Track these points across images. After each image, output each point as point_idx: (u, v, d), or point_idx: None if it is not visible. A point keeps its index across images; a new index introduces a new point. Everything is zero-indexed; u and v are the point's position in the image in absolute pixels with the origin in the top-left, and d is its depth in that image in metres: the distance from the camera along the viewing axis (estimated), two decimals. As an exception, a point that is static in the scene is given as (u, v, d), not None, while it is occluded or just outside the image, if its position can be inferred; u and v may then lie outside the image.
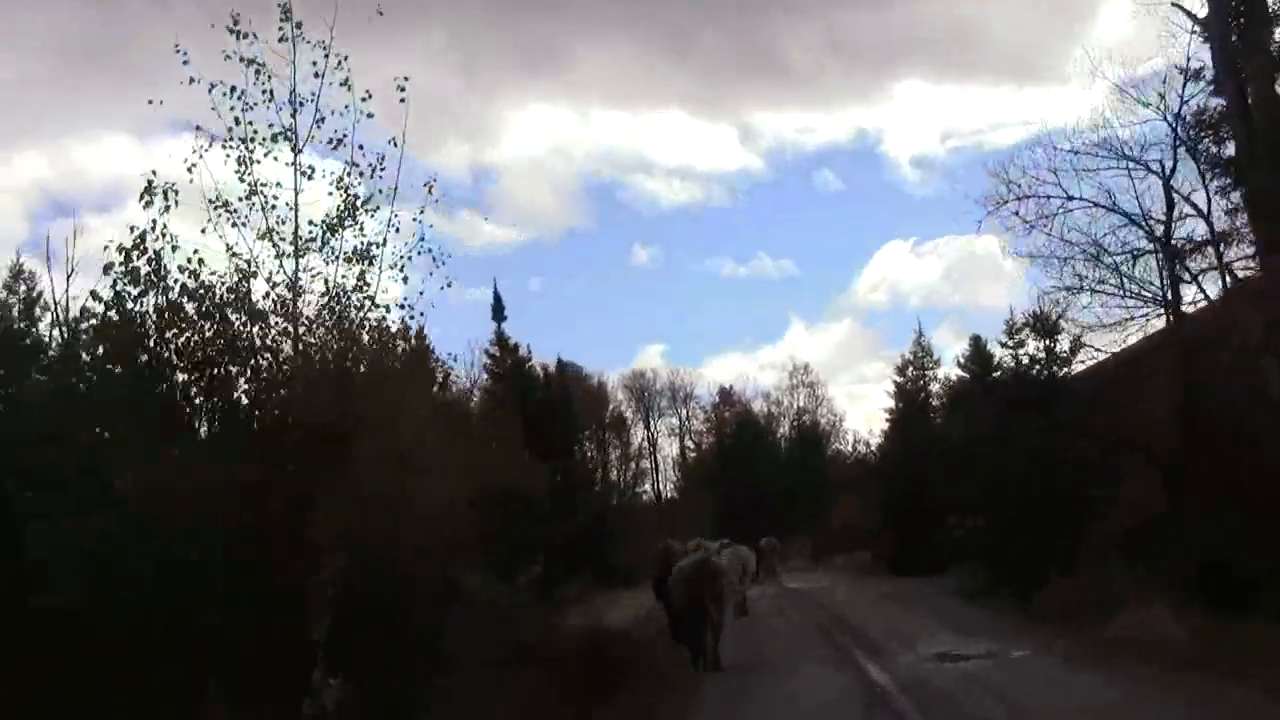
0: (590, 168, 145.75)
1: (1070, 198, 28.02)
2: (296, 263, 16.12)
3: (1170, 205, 27.04)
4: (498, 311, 65.83)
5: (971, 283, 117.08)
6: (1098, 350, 29.69)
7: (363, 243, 16.46)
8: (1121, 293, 27.81)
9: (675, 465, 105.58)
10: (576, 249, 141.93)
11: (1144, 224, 27.29)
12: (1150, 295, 27.60)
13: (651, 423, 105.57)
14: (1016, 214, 28.62)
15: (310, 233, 16.32)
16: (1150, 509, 25.75)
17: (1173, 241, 27.02)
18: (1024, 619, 24.24)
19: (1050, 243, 28.43)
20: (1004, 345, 30.60)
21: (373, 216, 16.69)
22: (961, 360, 50.72)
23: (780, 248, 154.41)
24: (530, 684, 16.38)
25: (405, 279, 17.12)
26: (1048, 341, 29.46)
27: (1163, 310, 27.56)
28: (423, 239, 16.84)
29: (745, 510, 75.95)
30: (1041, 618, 23.67)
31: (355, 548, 14.04)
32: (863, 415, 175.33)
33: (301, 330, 15.84)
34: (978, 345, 51.39)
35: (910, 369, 51.12)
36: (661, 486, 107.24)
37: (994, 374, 46.26)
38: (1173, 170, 27.18)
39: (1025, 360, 29.90)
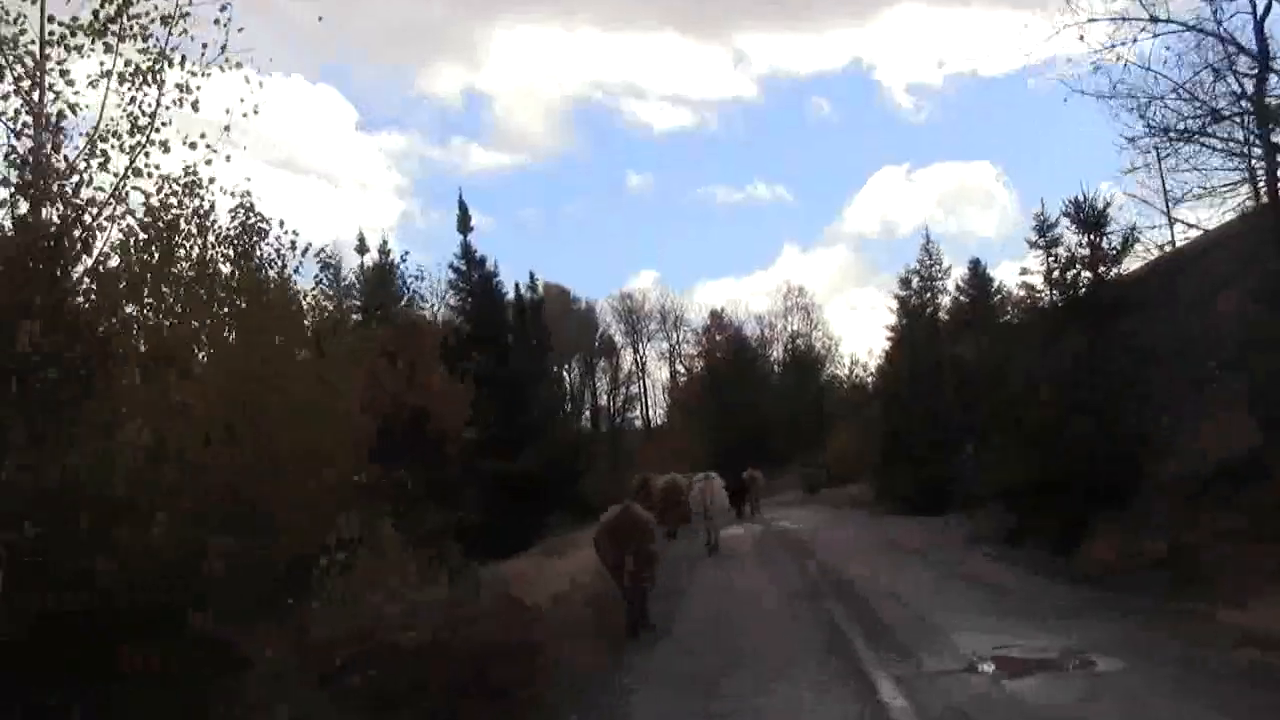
0: (582, 93, 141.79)
1: (1155, 19, 20.91)
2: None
3: (1265, 54, 20.33)
4: (463, 224, 59.76)
5: (965, 210, 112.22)
6: (1156, 247, 23.40)
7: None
8: (1223, 147, 20.99)
9: (666, 391, 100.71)
10: (569, 175, 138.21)
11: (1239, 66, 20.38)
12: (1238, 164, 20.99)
13: (640, 346, 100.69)
14: (1082, 38, 21.34)
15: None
16: (1232, 443, 19.72)
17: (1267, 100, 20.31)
18: (1072, 586, 18.23)
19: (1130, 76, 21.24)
20: (1033, 245, 24.27)
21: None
22: (960, 285, 46.12)
23: (774, 173, 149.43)
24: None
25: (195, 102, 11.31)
26: (1091, 236, 23.21)
27: (1251, 184, 20.93)
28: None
29: (736, 440, 70.79)
30: (1095, 581, 17.98)
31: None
32: (858, 342, 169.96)
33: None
34: (976, 269, 46.50)
35: (917, 280, 44.65)
36: (652, 414, 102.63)
37: (994, 298, 40.50)
38: (1266, 11, 20.40)
39: (1062, 260, 23.59)
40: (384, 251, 61.53)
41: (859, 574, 22.51)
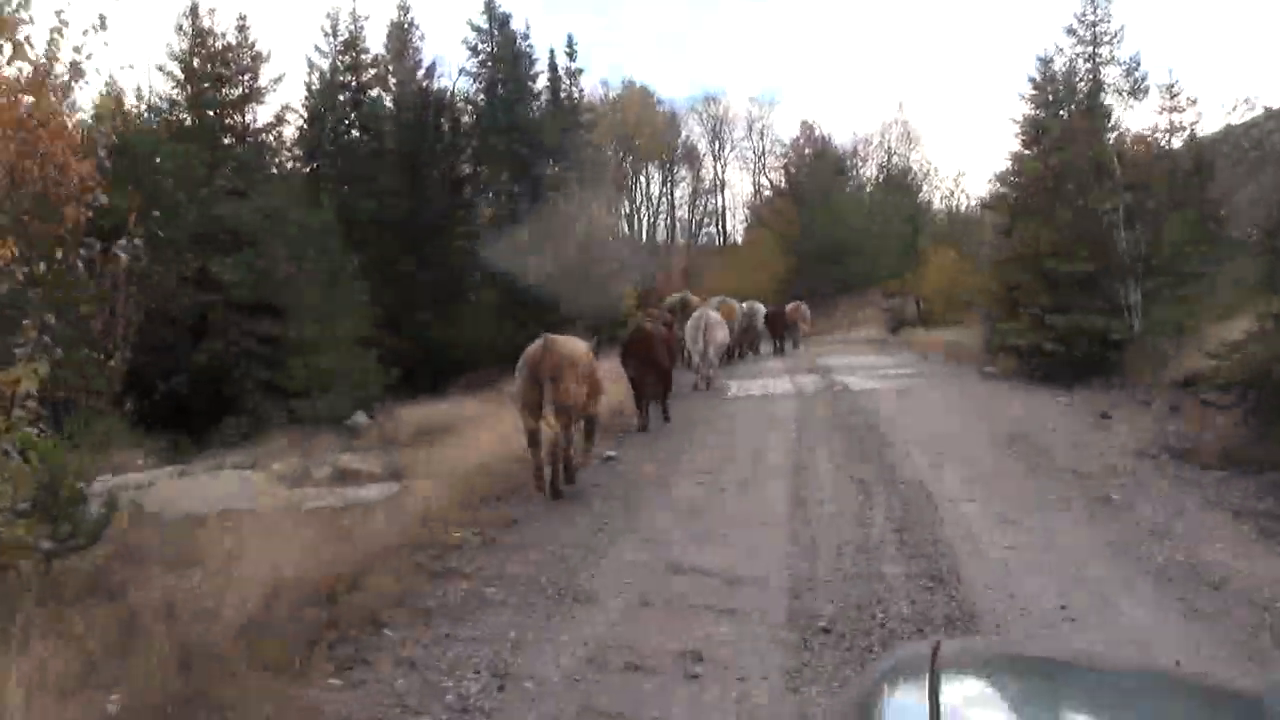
0: None
1: None
2: None
3: None
4: (487, -31, 46.54)
5: None
6: None
7: None
8: None
9: (746, 206, 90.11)
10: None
11: None
12: None
13: (722, 155, 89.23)
14: None
15: None
16: None
17: None
18: None
19: None
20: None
21: None
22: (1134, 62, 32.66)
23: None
24: None
25: None
26: None
27: None
28: None
29: (814, 262, 58.45)
30: None
31: None
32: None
33: None
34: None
35: (1072, 43, 31.24)
36: (730, 229, 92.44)
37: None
38: None
39: None
40: (403, 8, 49.10)
41: (1002, 553, 9.74)
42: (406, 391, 35.38)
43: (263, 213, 35.80)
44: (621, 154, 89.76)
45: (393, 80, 47.01)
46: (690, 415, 20.51)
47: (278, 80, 39.66)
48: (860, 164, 78.99)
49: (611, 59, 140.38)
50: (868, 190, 74.74)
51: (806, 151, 77.82)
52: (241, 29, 38.99)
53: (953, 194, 55.39)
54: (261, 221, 35.81)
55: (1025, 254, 25.38)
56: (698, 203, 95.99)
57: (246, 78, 39.19)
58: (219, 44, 38.83)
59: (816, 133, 78.77)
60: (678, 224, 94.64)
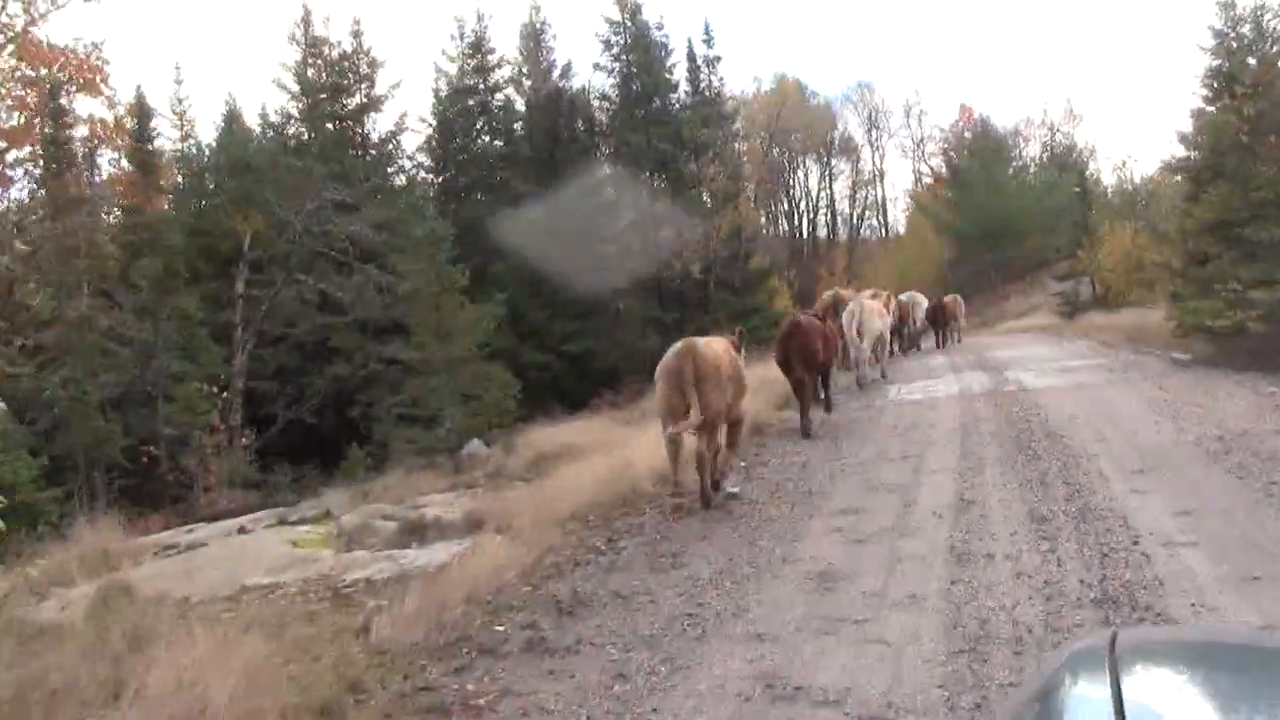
0: None
1: None
2: None
3: None
4: (619, -49, 43.95)
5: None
6: None
7: None
8: None
9: (907, 195, 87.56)
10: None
11: None
12: None
13: (880, 144, 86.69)
14: None
15: None
16: None
17: None
18: None
19: None
20: None
21: None
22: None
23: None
24: None
25: None
26: None
27: None
28: None
29: (978, 248, 55.40)
30: None
31: None
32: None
33: None
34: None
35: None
36: (893, 220, 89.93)
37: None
38: None
39: None
40: (535, 8, 46.92)
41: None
42: (548, 408, 33.36)
43: (382, 226, 33.91)
44: (777, 149, 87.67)
45: (527, 83, 44.88)
46: (837, 428, 17.63)
47: (396, 86, 37.66)
48: (1023, 144, 75.00)
49: (763, 55, 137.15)
50: (1031, 170, 70.45)
51: (966, 134, 74.45)
52: (357, 35, 37.09)
53: (1125, 164, 50.66)
54: (380, 236, 33.92)
55: (1218, 221, 21.83)
56: (858, 195, 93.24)
57: (364, 86, 37.19)
58: (334, 53, 36.91)
59: (975, 114, 75.36)
60: (839, 218, 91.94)
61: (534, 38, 45.92)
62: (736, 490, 12.96)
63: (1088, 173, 47.75)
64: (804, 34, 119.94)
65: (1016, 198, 61.93)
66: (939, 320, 35.25)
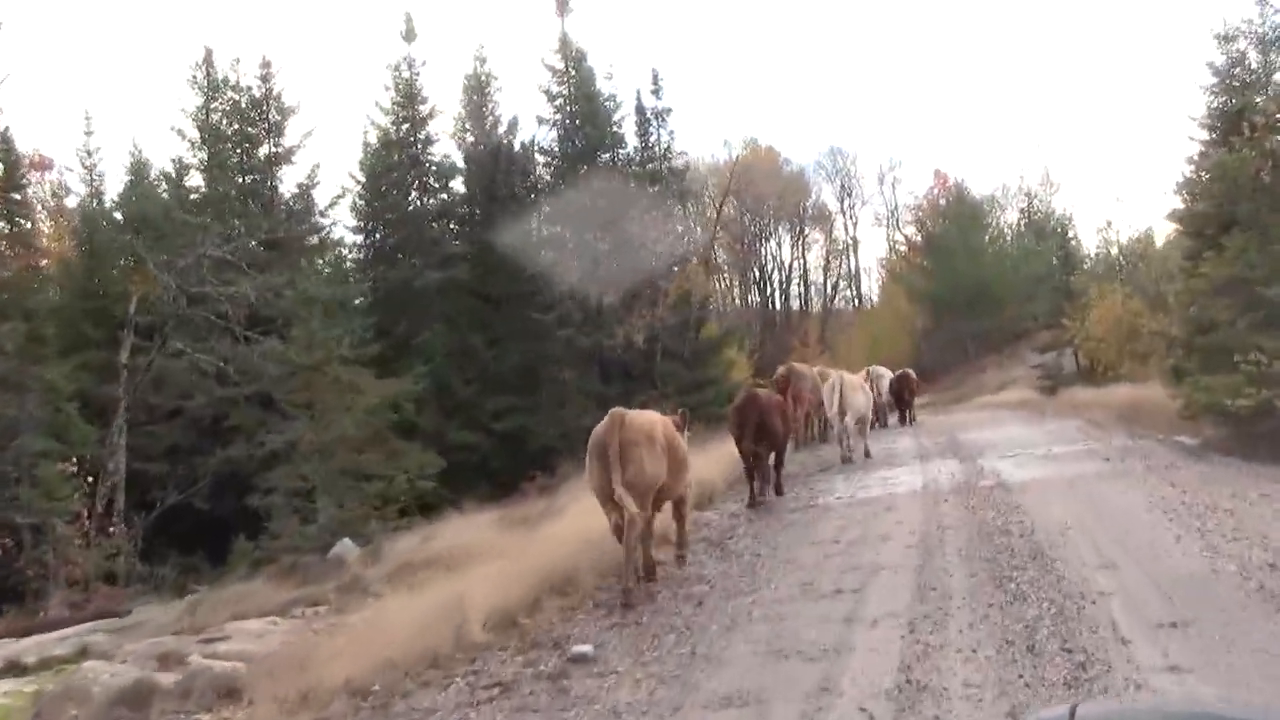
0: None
1: None
2: None
3: None
4: (562, 1, 40.25)
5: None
6: None
7: None
8: None
9: (881, 266, 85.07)
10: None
11: None
12: None
13: (852, 211, 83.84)
14: None
15: None
16: None
17: None
18: None
19: None
20: None
21: None
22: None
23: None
24: None
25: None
26: None
27: None
28: None
29: (953, 317, 52.26)
30: None
31: None
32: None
33: None
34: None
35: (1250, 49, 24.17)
36: (867, 290, 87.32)
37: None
38: None
39: None
40: (479, 59, 43.29)
41: None
42: (476, 490, 29.67)
43: (282, 291, 30.09)
44: (748, 216, 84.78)
45: (470, 138, 41.07)
46: (762, 536, 13.68)
47: (308, 135, 33.40)
48: (1000, 211, 71.61)
49: (733, 118, 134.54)
50: (1008, 237, 67.14)
51: (941, 201, 71.31)
52: (266, 79, 32.98)
53: (1109, 225, 46.16)
54: (280, 300, 30.06)
55: (1231, 280, 18.01)
56: (831, 265, 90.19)
57: (273, 135, 33.04)
58: (243, 98, 32.80)
59: (951, 180, 72.19)
60: (811, 288, 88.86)
61: (478, 90, 42.23)
62: (587, 650, 8.91)
63: (1069, 235, 43.88)
64: (775, 98, 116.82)
65: (993, 265, 59.29)
66: (903, 395, 32.67)
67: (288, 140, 32.98)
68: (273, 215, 32.45)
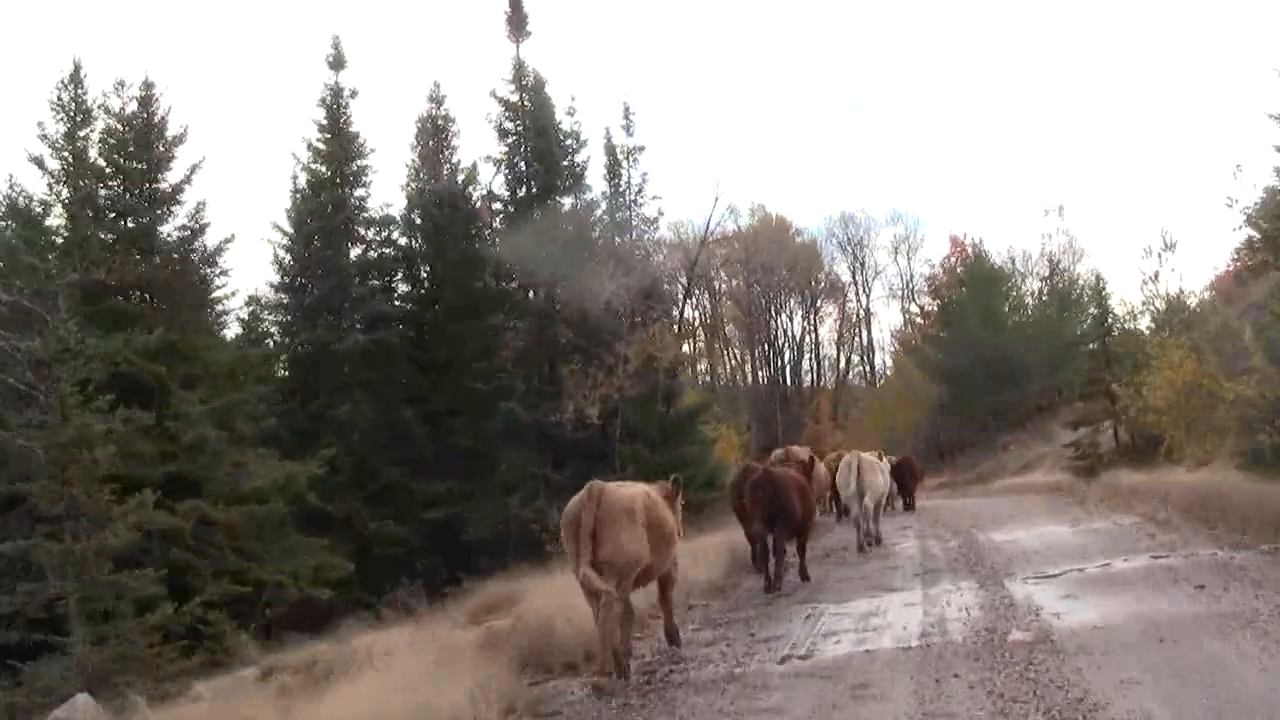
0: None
1: None
2: None
3: None
4: (516, 24, 34.38)
5: None
6: None
7: None
8: None
9: (894, 338, 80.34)
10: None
11: None
12: None
13: (865, 281, 78.79)
14: None
15: None
16: None
17: None
18: None
19: None
20: None
21: None
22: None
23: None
24: None
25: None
26: None
27: None
28: None
29: (972, 392, 53.36)
30: None
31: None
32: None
33: None
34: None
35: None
36: (880, 364, 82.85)
37: None
38: None
39: None
40: (436, 100, 37.56)
41: None
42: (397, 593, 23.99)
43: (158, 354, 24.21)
44: (757, 287, 79.29)
45: (427, 188, 35.07)
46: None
47: (196, 168, 27.11)
48: (1020, 279, 65.28)
49: (744, 191, 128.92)
50: (1030, 306, 60.78)
51: (958, 269, 65.41)
52: (147, 101, 26.88)
53: (1156, 278, 38.81)
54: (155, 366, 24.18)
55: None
56: (844, 337, 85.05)
57: (155, 170, 26.83)
58: (117, 123, 26.71)
59: (968, 245, 66.33)
60: (824, 362, 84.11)
61: (434, 134, 36.44)
62: None
63: (1103, 291, 37.30)
64: (782, 163, 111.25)
65: (1014, 334, 53.12)
66: (906, 479, 29.38)
67: (173, 176, 26.98)
68: (151, 261, 26.30)
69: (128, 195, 27.00)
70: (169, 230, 27.27)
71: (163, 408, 24.73)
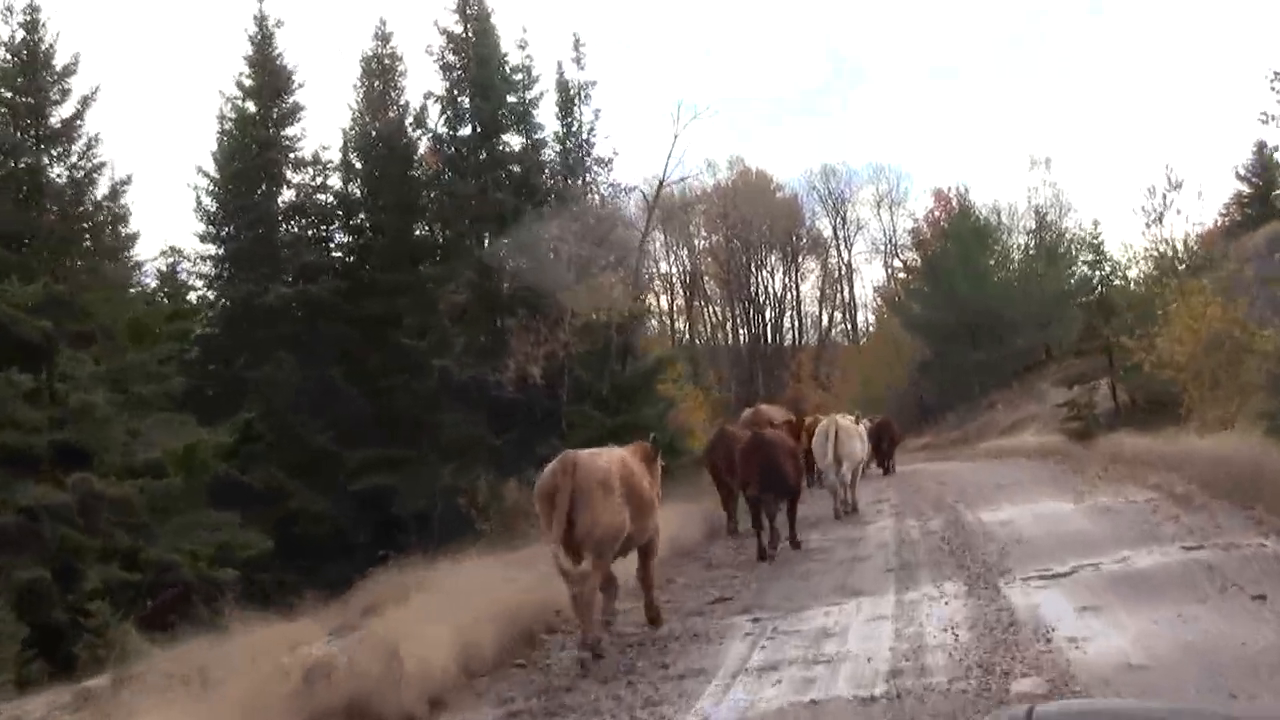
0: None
1: None
2: None
3: None
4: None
5: None
6: None
7: None
8: None
9: (877, 294, 77.81)
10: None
11: None
12: None
13: (846, 235, 76.12)
14: None
15: None
16: None
17: None
18: None
19: None
20: None
21: None
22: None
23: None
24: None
25: None
26: None
27: None
28: None
29: (957, 347, 50.40)
30: None
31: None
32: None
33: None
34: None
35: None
36: (863, 321, 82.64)
37: None
38: None
39: None
40: (382, 37, 34.33)
41: None
42: (321, 572, 21.96)
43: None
44: (736, 243, 79.11)
45: (374, 130, 31.86)
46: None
47: (90, 99, 23.88)
48: (1006, 234, 62.53)
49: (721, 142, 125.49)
50: (1015, 257, 58.03)
51: (943, 223, 62.68)
52: (32, 27, 23.60)
53: (1160, 219, 35.22)
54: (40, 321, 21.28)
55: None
56: (826, 296, 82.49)
57: (46, 105, 23.52)
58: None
59: (952, 200, 63.59)
60: (806, 319, 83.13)
61: (379, 75, 33.23)
62: None
63: (1099, 239, 34.06)
64: (760, 117, 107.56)
65: (1001, 289, 50.49)
66: (883, 443, 27.58)
67: (63, 111, 23.73)
68: (38, 205, 23.16)
69: (14, 132, 23.80)
70: (60, 171, 24.13)
71: (51, 369, 21.91)
